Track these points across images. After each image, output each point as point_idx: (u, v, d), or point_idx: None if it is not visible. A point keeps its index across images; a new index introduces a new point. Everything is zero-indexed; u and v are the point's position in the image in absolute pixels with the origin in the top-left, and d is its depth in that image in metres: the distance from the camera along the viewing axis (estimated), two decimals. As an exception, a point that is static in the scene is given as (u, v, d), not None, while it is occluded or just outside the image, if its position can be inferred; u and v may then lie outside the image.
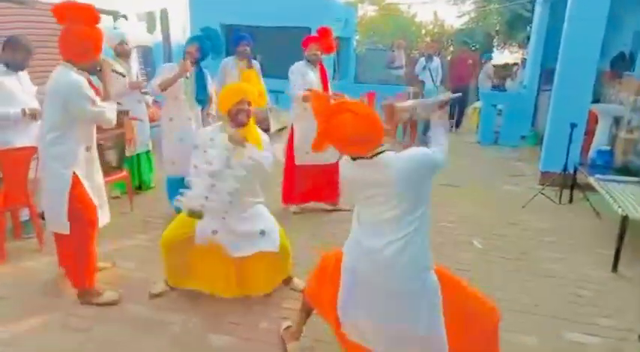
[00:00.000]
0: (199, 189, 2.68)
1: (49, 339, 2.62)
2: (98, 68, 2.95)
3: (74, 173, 2.79)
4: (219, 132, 2.86)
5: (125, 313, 2.89)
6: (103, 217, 3.06)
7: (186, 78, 4.10)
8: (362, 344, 2.14)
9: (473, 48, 15.12)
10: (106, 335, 2.68)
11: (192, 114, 4.21)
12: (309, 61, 4.40)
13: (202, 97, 4.20)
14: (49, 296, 3.01)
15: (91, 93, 2.75)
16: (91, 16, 2.70)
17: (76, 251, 2.91)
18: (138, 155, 4.89)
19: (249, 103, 2.83)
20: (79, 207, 2.82)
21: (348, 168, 2.11)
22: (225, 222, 2.86)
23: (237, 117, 2.81)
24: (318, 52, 4.39)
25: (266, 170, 2.87)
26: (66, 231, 2.81)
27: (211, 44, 4.15)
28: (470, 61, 9.80)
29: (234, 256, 2.87)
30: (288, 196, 4.70)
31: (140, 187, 5.05)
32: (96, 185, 2.98)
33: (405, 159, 1.96)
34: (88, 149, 2.88)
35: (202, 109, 4.37)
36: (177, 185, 4.15)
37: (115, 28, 5.51)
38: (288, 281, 3.19)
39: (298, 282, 3.18)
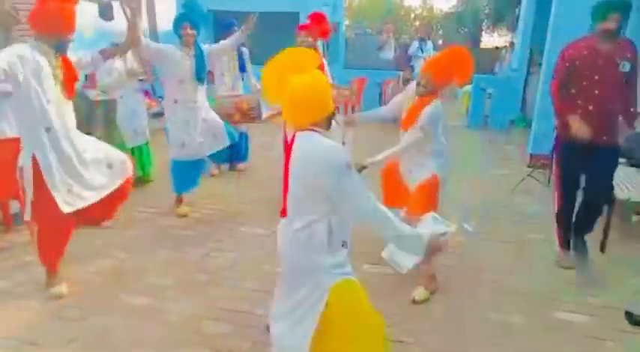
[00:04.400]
0: None
1: (44, 330, 2.63)
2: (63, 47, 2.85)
3: (33, 156, 2.76)
4: None
5: (120, 303, 2.90)
6: (78, 200, 2.91)
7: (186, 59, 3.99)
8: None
9: (461, 32, 14.99)
10: (102, 324, 2.69)
11: (197, 94, 4.08)
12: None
13: (202, 76, 4.07)
14: (43, 287, 3.00)
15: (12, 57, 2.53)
16: None
17: (40, 231, 2.95)
18: (139, 147, 4.85)
19: None
20: (37, 193, 2.82)
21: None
22: None
23: None
24: (309, 39, 4.31)
25: None
26: (27, 216, 2.87)
27: (199, 17, 4.08)
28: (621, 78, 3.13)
29: None
30: None
31: (141, 179, 5.00)
32: (68, 168, 2.88)
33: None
34: (47, 130, 2.75)
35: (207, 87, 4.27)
36: (185, 169, 4.18)
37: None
38: None
39: None
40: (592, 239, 3.77)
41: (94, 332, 2.62)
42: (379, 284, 3.10)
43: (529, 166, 5.72)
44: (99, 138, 4.22)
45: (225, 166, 5.49)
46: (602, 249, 3.68)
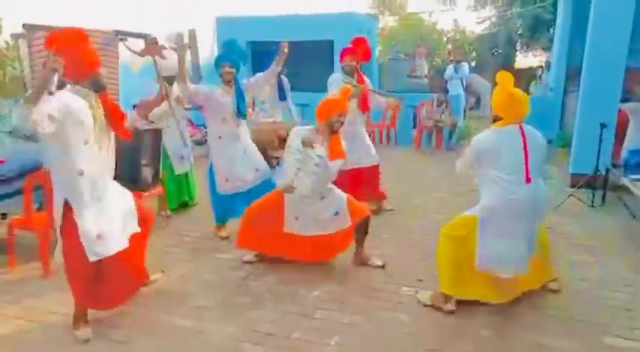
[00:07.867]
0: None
1: (89, 351, 2.72)
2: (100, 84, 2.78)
3: (65, 201, 2.71)
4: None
5: (163, 325, 2.98)
6: (109, 245, 2.79)
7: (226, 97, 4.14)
8: None
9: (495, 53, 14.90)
10: (145, 346, 2.76)
11: (240, 129, 4.24)
12: (344, 71, 4.67)
13: (243, 111, 4.21)
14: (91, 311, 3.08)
15: (45, 108, 2.42)
16: (79, 36, 2.68)
17: (66, 269, 2.86)
18: (185, 173, 5.07)
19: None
20: (66, 237, 2.75)
21: None
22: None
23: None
24: (353, 63, 4.65)
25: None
26: (58, 258, 2.84)
27: (239, 56, 4.25)
28: None
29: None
30: None
31: (186, 204, 5.20)
32: (103, 210, 2.80)
33: None
34: (80, 173, 2.67)
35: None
36: (225, 200, 4.28)
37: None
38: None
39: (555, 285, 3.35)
40: (641, 260, 3.62)
41: (140, 353, 2.70)
42: (417, 306, 3.08)
43: (571, 186, 5.57)
44: (146, 166, 4.43)
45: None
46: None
